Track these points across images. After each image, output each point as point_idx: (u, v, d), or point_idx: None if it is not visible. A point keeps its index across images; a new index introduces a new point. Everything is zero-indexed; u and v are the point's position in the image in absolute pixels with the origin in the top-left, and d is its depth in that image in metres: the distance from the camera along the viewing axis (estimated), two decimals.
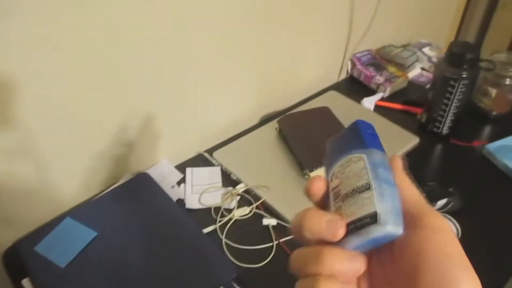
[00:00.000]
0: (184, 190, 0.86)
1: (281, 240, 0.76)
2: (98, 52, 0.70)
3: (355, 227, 0.26)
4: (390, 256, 0.28)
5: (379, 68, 1.19)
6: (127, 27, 0.71)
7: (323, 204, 0.30)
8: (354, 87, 1.20)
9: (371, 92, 1.16)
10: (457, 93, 0.91)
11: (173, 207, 0.80)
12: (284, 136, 0.95)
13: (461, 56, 0.88)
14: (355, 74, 1.22)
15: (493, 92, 1.02)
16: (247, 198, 0.84)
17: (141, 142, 0.86)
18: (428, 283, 0.24)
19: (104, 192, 0.84)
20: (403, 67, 1.22)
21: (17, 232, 0.76)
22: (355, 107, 1.08)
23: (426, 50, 1.31)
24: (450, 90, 0.91)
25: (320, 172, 0.82)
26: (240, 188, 0.85)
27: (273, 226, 0.78)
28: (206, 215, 0.81)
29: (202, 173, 0.90)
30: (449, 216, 0.76)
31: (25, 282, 0.69)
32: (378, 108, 1.11)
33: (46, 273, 0.69)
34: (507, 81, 0.99)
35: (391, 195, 0.27)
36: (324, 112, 0.99)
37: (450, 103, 0.93)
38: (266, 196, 0.82)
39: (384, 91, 1.14)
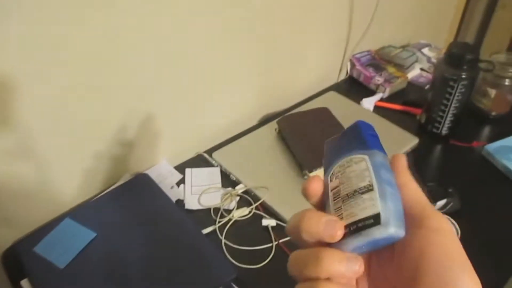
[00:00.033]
0: (183, 191, 0.86)
1: (281, 240, 0.76)
2: (98, 52, 0.70)
3: (356, 228, 0.26)
4: (390, 256, 0.28)
5: (378, 68, 1.19)
6: (127, 27, 0.71)
7: (321, 205, 0.30)
8: (353, 87, 1.20)
9: (370, 92, 1.16)
10: (457, 94, 0.91)
11: (172, 208, 0.80)
12: (283, 137, 0.95)
13: (460, 57, 0.88)
14: (355, 75, 1.23)
15: (493, 92, 1.02)
16: (246, 198, 0.84)
17: (140, 142, 0.86)
18: (429, 284, 0.24)
19: (104, 192, 0.83)
20: (403, 68, 1.22)
21: (17, 232, 0.76)
22: (354, 107, 1.08)
23: (425, 50, 1.31)
24: (449, 91, 0.91)
25: (319, 172, 0.82)
26: (240, 188, 0.85)
27: (273, 227, 0.78)
28: (206, 215, 0.81)
29: (201, 174, 0.90)
30: (448, 217, 0.76)
31: (24, 283, 0.69)
32: (377, 109, 1.11)
33: (45, 274, 0.69)
34: (507, 82, 0.99)
35: (394, 197, 0.27)
36: (324, 113, 0.99)
37: (449, 103, 0.93)
38: (265, 196, 0.82)
39: (384, 92, 1.14)
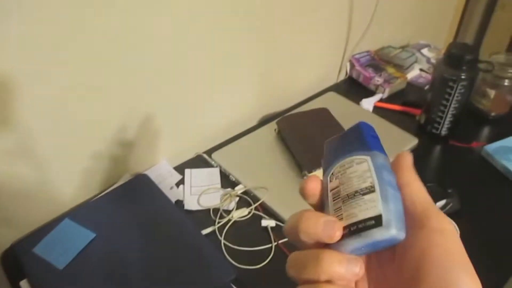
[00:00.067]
0: (183, 191, 0.86)
1: (280, 241, 0.76)
2: (98, 52, 0.70)
3: (357, 229, 0.26)
4: (390, 256, 0.28)
5: (378, 69, 1.20)
6: (127, 27, 0.71)
7: (320, 205, 0.30)
8: (353, 88, 1.20)
9: (370, 93, 1.16)
10: (456, 94, 0.91)
11: (172, 208, 0.80)
12: (283, 137, 0.95)
13: (460, 57, 0.88)
14: (354, 75, 1.23)
15: (492, 93, 1.02)
16: (246, 199, 0.84)
17: (140, 143, 0.86)
18: (429, 285, 0.24)
19: (103, 193, 0.83)
20: (402, 68, 1.23)
21: (17, 232, 0.76)
22: (354, 108, 1.08)
23: (425, 51, 1.31)
24: (448, 91, 0.91)
25: (319, 173, 0.82)
26: (239, 189, 0.85)
27: (272, 227, 0.78)
28: (205, 216, 0.81)
29: (201, 174, 0.90)
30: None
31: (23, 283, 0.69)
32: (377, 109, 1.11)
33: (44, 275, 0.69)
34: (506, 82, 1.00)
35: (395, 199, 0.27)
36: (323, 113, 0.99)
37: (448, 104, 0.93)
38: (265, 197, 0.82)
39: (383, 92, 1.14)
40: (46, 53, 0.64)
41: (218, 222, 0.79)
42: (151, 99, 0.83)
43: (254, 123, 1.08)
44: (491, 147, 0.94)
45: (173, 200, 0.83)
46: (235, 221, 0.80)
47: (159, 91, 0.83)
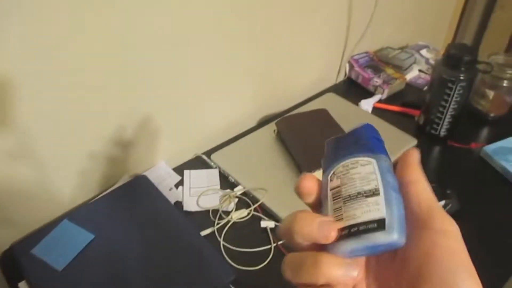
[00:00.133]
0: (182, 193, 0.86)
1: (279, 242, 0.76)
2: (97, 52, 0.70)
3: (358, 231, 0.25)
4: (391, 257, 0.27)
5: (377, 70, 1.20)
6: (127, 27, 0.71)
7: (317, 205, 0.29)
8: (352, 89, 1.20)
9: (369, 94, 1.16)
10: (455, 95, 0.91)
11: (171, 210, 0.80)
12: (282, 138, 0.95)
13: (458, 58, 0.88)
14: (353, 76, 1.23)
15: (491, 94, 1.02)
16: (245, 200, 0.84)
17: (139, 144, 0.86)
18: (432, 286, 0.24)
19: (102, 194, 0.83)
20: (401, 69, 1.23)
21: (17, 233, 0.76)
22: (353, 109, 1.08)
23: (423, 52, 1.31)
24: (447, 92, 0.91)
25: (318, 174, 0.82)
26: (238, 190, 0.85)
27: (271, 229, 0.78)
28: (204, 217, 0.81)
29: (200, 176, 0.90)
30: None
31: (22, 285, 0.69)
32: (376, 110, 1.11)
33: (43, 276, 0.69)
34: (505, 83, 1.00)
35: (398, 204, 0.26)
36: (322, 114, 0.99)
37: (447, 105, 0.93)
38: (264, 198, 0.82)
39: (382, 93, 1.14)
40: (46, 53, 0.64)
41: (217, 223, 0.79)
42: (150, 100, 0.83)
43: (253, 124, 1.08)
44: (490, 148, 0.94)
45: (172, 201, 0.83)
46: (234, 222, 0.80)
47: (158, 92, 0.83)
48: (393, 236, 0.25)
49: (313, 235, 0.26)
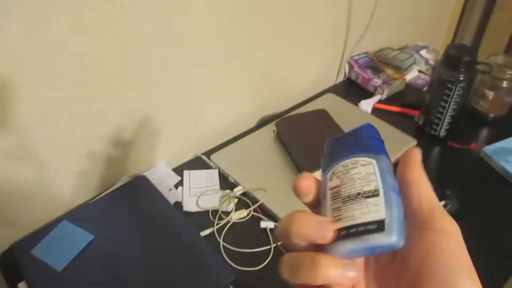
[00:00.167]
0: (181, 193, 0.86)
1: (279, 243, 0.76)
2: (97, 52, 0.70)
3: (357, 231, 0.25)
4: (391, 257, 0.27)
5: (376, 70, 1.20)
6: (127, 27, 0.71)
7: (315, 204, 0.29)
8: (351, 89, 1.20)
9: (368, 94, 1.16)
10: (454, 96, 0.91)
11: (170, 210, 0.80)
12: (281, 139, 0.95)
13: (458, 59, 0.88)
14: (353, 77, 1.23)
15: (490, 94, 1.02)
16: (244, 201, 0.84)
17: (139, 144, 0.86)
18: (433, 286, 0.24)
19: (102, 194, 0.83)
20: (401, 70, 1.23)
21: (17, 233, 0.76)
22: (352, 109, 1.08)
23: (423, 52, 1.31)
24: (447, 93, 0.91)
25: (318, 174, 0.82)
26: (238, 191, 0.85)
27: (271, 229, 0.78)
28: (204, 218, 0.81)
29: (199, 176, 0.90)
30: None
31: (22, 285, 0.69)
32: (375, 111, 1.11)
33: (42, 277, 0.69)
34: (504, 84, 1.00)
35: (398, 206, 0.26)
36: (322, 115, 0.99)
37: (447, 105, 0.93)
38: (263, 199, 0.82)
39: (382, 94, 1.14)
40: (46, 53, 0.64)
41: (217, 224, 0.79)
42: (150, 100, 0.83)
43: (253, 124, 1.08)
44: (489, 149, 0.94)
45: (172, 201, 0.83)
46: (234, 223, 0.80)
47: (158, 92, 0.83)
48: (392, 238, 0.25)
49: (310, 235, 0.26)
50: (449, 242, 0.25)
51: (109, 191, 0.84)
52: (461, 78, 0.88)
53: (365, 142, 0.30)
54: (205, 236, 0.77)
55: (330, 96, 1.13)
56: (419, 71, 1.26)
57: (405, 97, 1.17)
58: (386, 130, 0.99)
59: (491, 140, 0.98)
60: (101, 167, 0.83)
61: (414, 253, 0.25)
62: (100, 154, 0.81)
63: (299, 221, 0.26)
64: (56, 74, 0.67)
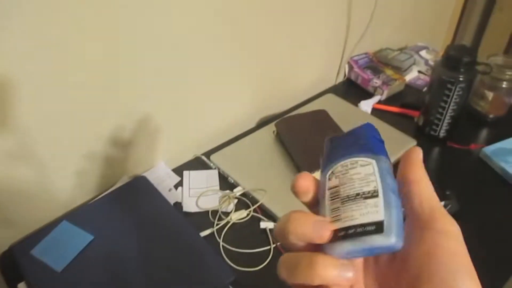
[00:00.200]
0: (181, 193, 0.86)
1: (279, 243, 0.76)
2: (97, 52, 0.70)
3: (355, 232, 0.25)
4: (390, 257, 0.27)
5: (376, 71, 1.20)
6: (127, 27, 0.71)
7: (314, 204, 0.29)
8: (351, 90, 1.21)
9: (368, 95, 1.16)
10: (454, 96, 0.91)
11: (170, 211, 0.80)
12: (281, 139, 0.95)
13: (458, 59, 0.88)
14: (353, 77, 1.23)
15: (490, 95, 1.02)
16: (244, 201, 0.84)
17: (138, 144, 0.86)
18: (433, 286, 0.23)
19: (102, 195, 0.83)
20: (400, 70, 1.23)
21: (17, 233, 0.76)
22: (352, 110, 1.09)
23: (423, 53, 1.31)
24: (447, 93, 0.91)
25: (317, 175, 0.82)
26: (238, 191, 0.85)
27: (271, 229, 0.78)
28: (204, 218, 0.81)
29: (199, 176, 0.90)
30: None
31: (21, 286, 0.69)
32: (375, 111, 1.11)
33: (42, 277, 0.68)
34: (504, 84, 1.00)
35: (397, 207, 0.26)
36: (322, 115, 0.99)
37: (447, 106, 0.93)
38: (263, 199, 0.82)
39: (381, 94, 1.15)
40: (46, 53, 0.64)
41: (217, 224, 0.79)
42: (150, 100, 0.83)
43: (252, 125, 1.08)
44: (489, 149, 0.94)
45: (172, 202, 0.83)
46: (233, 223, 0.80)
47: (158, 92, 0.83)
48: (391, 239, 0.24)
49: (308, 234, 0.26)
50: (449, 242, 0.25)
51: (108, 191, 0.84)
52: (460, 79, 0.89)
53: (365, 142, 0.29)
54: (205, 237, 0.77)
55: (330, 96, 1.13)
56: (419, 71, 1.26)
57: (405, 97, 1.17)
58: (385, 131, 0.99)
59: (490, 141, 0.98)
60: (101, 167, 0.83)
61: (414, 253, 0.25)
62: (100, 154, 0.81)
63: (297, 220, 0.26)
64: (56, 74, 0.67)
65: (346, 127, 0.92)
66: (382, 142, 0.30)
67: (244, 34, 0.91)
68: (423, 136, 1.00)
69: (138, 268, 0.69)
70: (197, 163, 0.94)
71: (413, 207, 0.27)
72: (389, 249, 0.25)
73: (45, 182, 0.76)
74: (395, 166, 0.28)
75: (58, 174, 0.77)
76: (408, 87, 1.21)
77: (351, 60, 1.23)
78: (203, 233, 0.77)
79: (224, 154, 0.94)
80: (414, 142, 0.97)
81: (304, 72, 1.14)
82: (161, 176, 0.90)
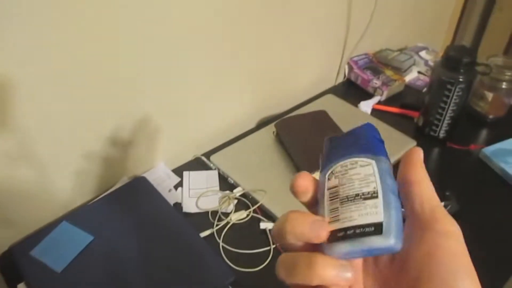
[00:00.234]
0: (181, 194, 0.86)
1: (278, 243, 0.76)
2: (97, 53, 0.70)
3: (354, 233, 0.25)
4: (391, 258, 0.27)
5: (376, 71, 1.20)
6: (127, 28, 0.71)
7: (313, 203, 0.29)
8: (351, 90, 1.21)
9: (368, 95, 1.16)
10: (454, 97, 0.91)
11: (170, 211, 0.80)
12: (281, 140, 0.95)
13: (457, 60, 0.88)
14: (352, 78, 1.23)
15: (490, 96, 1.02)
16: (244, 202, 0.84)
17: (138, 145, 0.86)
18: (433, 287, 0.23)
19: (101, 195, 0.83)
20: (400, 71, 1.23)
21: (17, 233, 0.76)
22: (352, 110, 1.09)
23: (422, 53, 1.31)
24: (446, 94, 0.91)
25: (317, 175, 0.82)
26: (238, 192, 0.85)
27: (271, 230, 0.78)
28: (204, 219, 0.81)
29: (199, 177, 0.90)
30: None
31: (21, 286, 0.69)
32: (375, 112, 1.11)
33: (42, 278, 0.68)
34: (504, 85, 1.00)
35: (396, 208, 0.26)
36: (321, 116, 0.99)
37: (446, 106, 0.93)
38: (263, 200, 0.82)
39: (381, 95, 1.15)
40: (46, 53, 0.64)
41: (217, 225, 0.79)
42: (150, 101, 0.83)
43: (252, 125, 1.08)
44: (489, 150, 0.94)
45: (172, 202, 0.83)
46: (233, 224, 0.80)
47: (158, 92, 0.83)
48: (390, 241, 0.24)
49: (306, 234, 0.26)
50: (450, 242, 0.25)
51: (108, 192, 0.84)
52: (460, 79, 0.89)
53: (365, 142, 0.29)
54: (204, 237, 0.77)
55: (330, 97, 1.13)
56: (419, 72, 1.26)
57: (405, 98, 1.17)
58: (385, 131, 0.99)
59: (490, 141, 0.98)
60: (100, 168, 0.83)
61: (414, 253, 0.25)
62: (100, 154, 0.81)
63: (294, 220, 0.26)
64: (56, 74, 0.67)
65: (345, 128, 0.92)
66: (382, 142, 0.30)
67: (244, 34, 0.91)
68: (423, 137, 1.00)
69: (138, 269, 0.69)
70: (197, 164, 0.94)
71: (413, 208, 0.27)
72: (388, 251, 0.25)
73: (45, 182, 0.76)
74: (395, 166, 0.27)
75: (58, 174, 0.77)
76: (408, 87, 1.21)
77: (351, 60, 1.23)
78: (203, 234, 0.77)
79: (224, 155, 0.94)
80: (414, 143, 0.97)
81: (304, 72, 1.14)
82: (161, 176, 0.90)
